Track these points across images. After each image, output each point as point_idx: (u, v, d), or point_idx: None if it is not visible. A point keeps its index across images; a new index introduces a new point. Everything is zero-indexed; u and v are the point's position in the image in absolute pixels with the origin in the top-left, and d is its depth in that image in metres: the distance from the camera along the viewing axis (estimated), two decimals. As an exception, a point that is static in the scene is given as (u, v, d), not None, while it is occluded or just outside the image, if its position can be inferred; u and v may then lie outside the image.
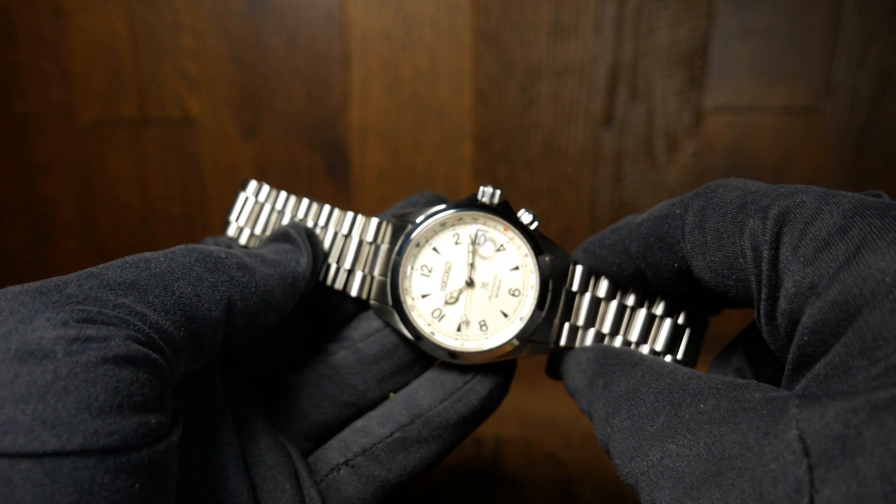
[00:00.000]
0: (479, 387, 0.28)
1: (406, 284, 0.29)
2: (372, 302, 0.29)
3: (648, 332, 0.29)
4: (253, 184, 0.32)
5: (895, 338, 0.15)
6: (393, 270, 0.29)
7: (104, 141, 0.68)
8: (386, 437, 0.28)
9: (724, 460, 0.17)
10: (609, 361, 0.26)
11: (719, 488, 0.17)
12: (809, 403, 0.16)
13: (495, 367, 0.29)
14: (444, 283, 0.29)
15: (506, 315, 0.29)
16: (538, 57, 0.63)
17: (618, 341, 0.29)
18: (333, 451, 0.28)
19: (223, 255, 0.24)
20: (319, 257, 0.28)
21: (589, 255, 0.29)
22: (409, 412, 0.28)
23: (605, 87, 0.63)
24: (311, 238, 0.28)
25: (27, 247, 0.71)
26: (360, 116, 0.66)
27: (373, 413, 0.29)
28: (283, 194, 0.31)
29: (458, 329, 0.28)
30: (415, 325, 0.28)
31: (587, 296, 0.29)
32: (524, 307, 0.28)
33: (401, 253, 0.29)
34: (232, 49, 0.65)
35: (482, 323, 0.29)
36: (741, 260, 0.21)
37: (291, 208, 0.31)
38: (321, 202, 0.30)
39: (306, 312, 0.30)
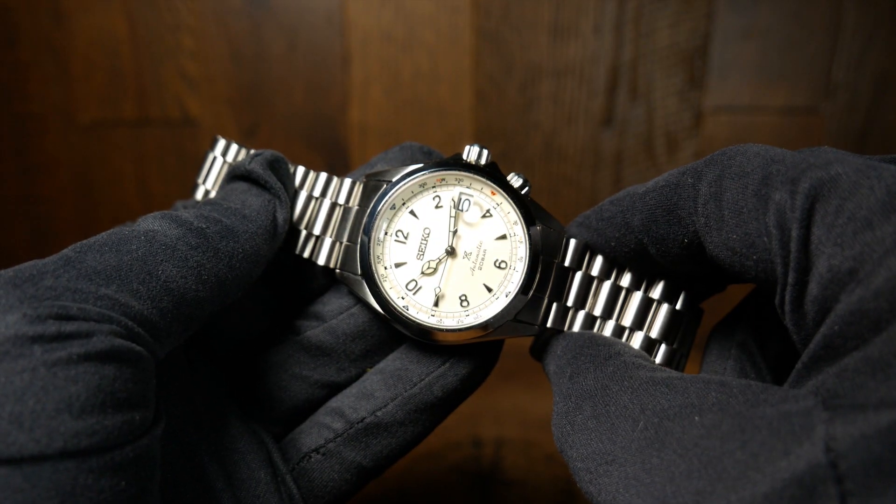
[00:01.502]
0: (459, 366, 0.26)
1: (378, 251, 0.25)
2: (338, 271, 0.26)
3: (644, 317, 0.26)
4: (221, 143, 0.29)
5: None
6: (364, 235, 0.25)
7: (104, 141, 0.68)
8: (358, 422, 0.25)
9: (724, 481, 0.15)
10: (584, 351, 0.23)
11: None
12: (842, 417, 0.14)
13: (477, 346, 0.26)
14: (422, 252, 0.25)
15: (490, 290, 0.25)
16: (538, 57, 0.63)
17: (609, 326, 0.26)
18: (305, 435, 0.26)
19: (205, 226, 0.22)
20: (291, 192, 0.26)
21: (584, 228, 0.26)
22: (384, 393, 0.26)
23: (605, 87, 0.63)
24: (279, 171, 0.25)
25: (27, 247, 0.71)
26: (360, 116, 0.66)
27: (347, 392, 0.26)
28: (252, 153, 0.28)
29: (436, 304, 0.25)
30: (386, 297, 0.25)
31: (579, 274, 0.26)
32: (511, 282, 0.25)
33: (373, 215, 0.25)
34: (232, 49, 0.65)
35: (463, 298, 0.25)
36: (764, 238, 0.18)
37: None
38: (293, 163, 0.28)
39: (271, 285, 0.28)
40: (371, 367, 0.27)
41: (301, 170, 0.27)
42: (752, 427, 0.15)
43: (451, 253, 0.25)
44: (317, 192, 0.26)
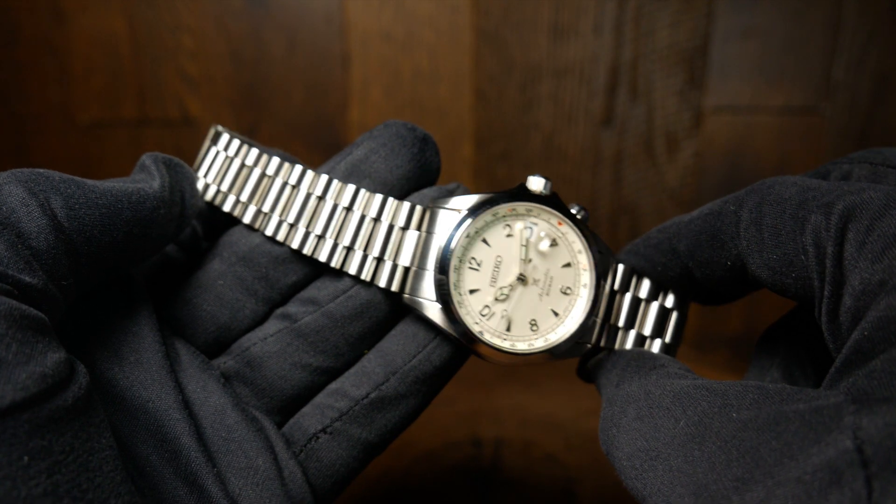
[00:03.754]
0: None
1: (454, 279, 0.26)
2: (407, 296, 0.27)
3: (680, 334, 0.29)
4: (225, 137, 0.29)
5: None
6: (442, 263, 0.26)
7: (104, 141, 0.68)
8: (363, 399, 0.26)
9: (761, 468, 0.16)
10: (631, 364, 0.25)
11: (754, 498, 0.16)
12: (868, 409, 0.15)
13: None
14: (494, 279, 0.27)
15: (556, 314, 0.27)
16: (538, 57, 0.63)
17: (657, 344, 0.28)
18: (309, 417, 0.26)
19: (45, 171, 0.22)
20: (183, 185, 0.26)
21: (632, 254, 0.28)
22: (384, 369, 0.26)
23: (605, 87, 0.63)
24: (170, 166, 0.25)
25: (27, 247, 0.71)
26: (360, 116, 0.66)
27: (346, 373, 0.27)
28: (298, 168, 0.27)
29: (508, 328, 0.27)
30: (463, 322, 0.26)
31: (628, 296, 0.28)
32: (576, 306, 0.27)
33: (449, 244, 0.26)
34: (232, 49, 0.65)
35: (532, 322, 0.27)
36: (802, 257, 0.20)
37: (307, 185, 0.27)
38: (335, 170, 0.27)
39: (252, 274, 0.28)
40: (368, 350, 0.27)
41: (351, 188, 0.27)
42: (786, 420, 0.17)
43: (522, 280, 0.27)
44: (372, 214, 0.27)
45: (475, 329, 0.26)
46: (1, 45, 0.66)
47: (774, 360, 0.26)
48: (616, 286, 0.28)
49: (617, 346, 0.28)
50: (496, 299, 0.27)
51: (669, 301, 0.28)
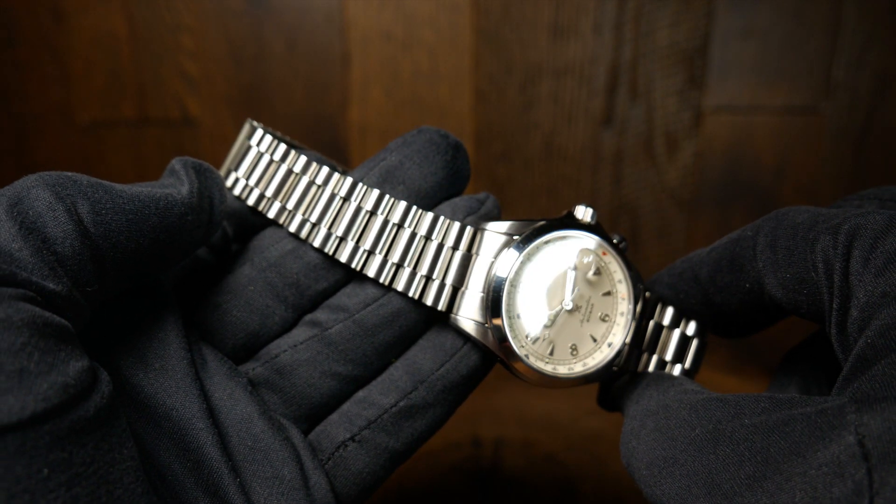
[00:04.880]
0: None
1: (505, 303, 0.27)
2: (454, 316, 0.27)
3: (699, 361, 0.30)
4: (259, 133, 0.28)
5: None
6: (496, 287, 0.27)
7: (104, 141, 0.68)
8: (391, 408, 0.26)
9: (770, 465, 0.17)
10: (651, 383, 0.27)
11: (765, 493, 0.17)
12: (868, 407, 0.16)
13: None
14: (543, 304, 0.28)
15: (595, 340, 0.28)
16: (538, 57, 0.63)
17: (677, 369, 0.30)
18: (336, 426, 0.26)
19: (73, 175, 0.21)
20: (212, 191, 0.25)
21: (657, 283, 0.30)
22: (412, 378, 0.27)
23: (605, 87, 0.63)
24: (199, 171, 0.25)
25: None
26: (360, 116, 0.66)
27: (373, 383, 0.27)
28: (349, 181, 0.27)
29: (552, 353, 0.27)
30: (511, 345, 0.27)
31: (652, 322, 0.30)
32: (613, 333, 0.28)
33: (504, 269, 0.27)
34: (232, 49, 0.65)
35: (573, 347, 0.28)
36: (812, 274, 0.22)
37: (358, 198, 0.27)
38: (369, 176, 0.27)
39: (280, 280, 0.27)
40: (396, 359, 0.28)
41: (403, 205, 0.27)
42: (794, 421, 0.18)
43: (570, 307, 0.28)
44: (423, 232, 0.27)
45: (521, 352, 0.27)
46: (1, 45, 0.66)
47: (793, 378, 0.27)
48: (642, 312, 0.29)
49: (640, 369, 0.30)
50: (544, 325, 0.27)
51: (691, 329, 0.30)
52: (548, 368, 0.27)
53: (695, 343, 0.30)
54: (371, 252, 0.26)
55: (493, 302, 0.27)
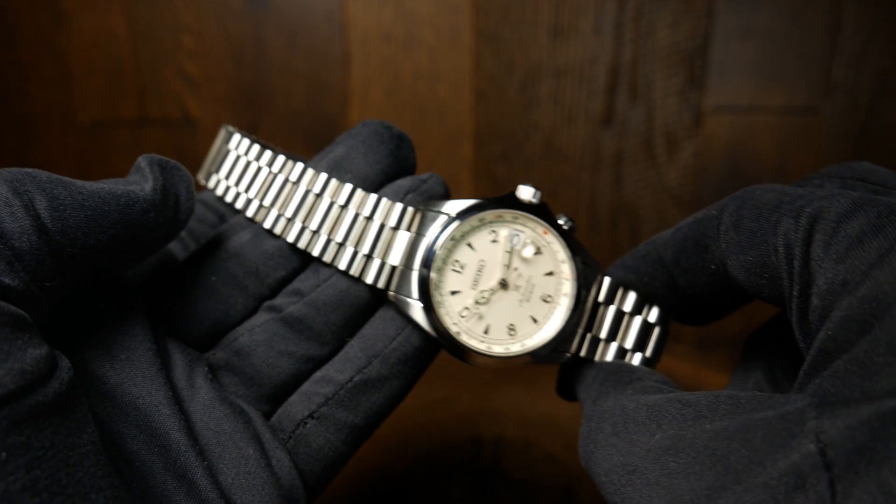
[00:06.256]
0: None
1: (436, 279, 0.27)
2: (391, 293, 0.28)
3: (660, 349, 0.29)
4: (236, 137, 0.30)
5: None
6: (425, 263, 0.27)
7: (104, 141, 0.68)
8: (346, 383, 0.27)
9: (730, 475, 0.17)
10: (609, 377, 0.26)
11: None
12: (830, 412, 0.15)
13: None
14: (476, 282, 0.27)
15: (535, 321, 0.28)
16: (538, 57, 0.63)
17: (637, 358, 0.29)
18: (296, 405, 0.27)
19: (32, 171, 0.21)
20: (178, 188, 0.25)
21: (619, 268, 0.29)
22: (366, 354, 0.27)
23: (605, 87, 0.63)
24: (165, 169, 0.25)
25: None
26: (360, 116, 0.66)
27: (331, 361, 0.28)
28: (309, 172, 0.28)
29: (486, 331, 0.27)
30: (441, 322, 0.27)
31: (612, 308, 0.29)
32: (555, 315, 0.28)
33: (434, 246, 0.27)
34: (232, 49, 0.65)
35: (511, 327, 0.27)
36: (773, 258, 0.21)
37: (307, 182, 0.28)
38: (318, 167, 0.29)
39: (241, 271, 0.28)
40: (350, 338, 0.28)
41: (348, 187, 0.28)
42: (755, 427, 0.17)
43: (503, 285, 0.27)
44: (366, 212, 0.28)
45: (452, 329, 0.27)
46: (1, 45, 0.66)
47: (758, 362, 0.27)
48: (601, 298, 0.29)
49: (597, 357, 0.29)
50: (476, 302, 0.27)
51: (653, 316, 0.29)
52: (482, 347, 0.27)
53: (657, 331, 0.29)
54: (316, 232, 0.28)
55: (424, 280, 0.27)
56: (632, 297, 0.29)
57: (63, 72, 0.66)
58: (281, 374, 0.27)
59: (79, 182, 0.22)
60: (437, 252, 0.27)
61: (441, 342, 0.27)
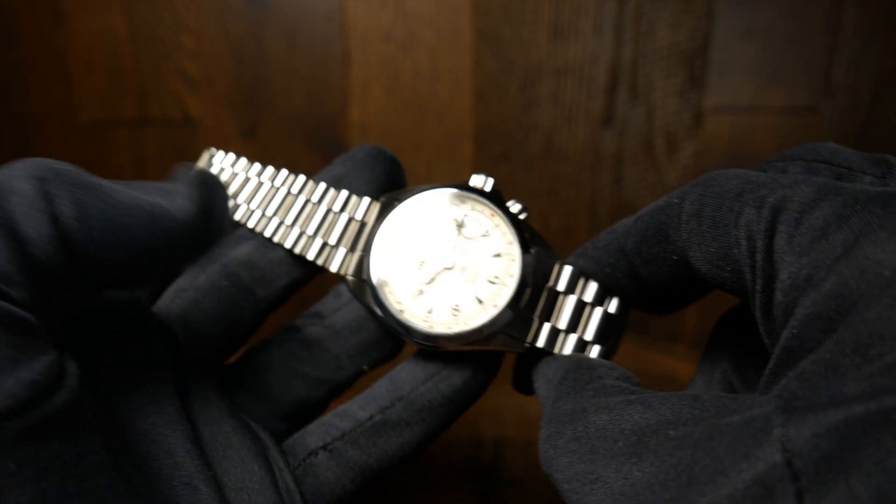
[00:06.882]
0: (463, 367, 0.27)
1: (378, 260, 0.27)
2: (348, 277, 0.28)
3: (619, 341, 0.29)
4: (220, 154, 0.31)
5: (891, 335, 0.14)
6: (369, 246, 0.28)
7: (104, 141, 0.68)
8: (366, 421, 0.26)
9: (694, 486, 0.16)
10: (568, 375, 0.25)
11: None
12: (796, 418, 0.14)
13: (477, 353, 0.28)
14: (422, 263, 0.27)
15: (481, 302, 0.27)
16: (538, 57, 0.63)
17: (596, 350, 0.28)
18: (312, 435, 0.27)
19: (63, 170, 0.20)
20: (216, 208, 0.25)
21: (580, 257, 0.28)
22: (391, 395, 0.27)
23: (605, 87, 0.63)
24: (205, 186, 0.24)
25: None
26: (360, 116, 0.66)
27: (356, 397, 0.28)
28: (284, 172, 0.30)
29: (430, 311, 0.27)
30: (385, 302, 0.27)
31: (572, 298, 0.28)
32: (501, 296, 0.27)
33: (378, 227, 0.28)
34: (232, 49, 0.65)
35: (455, 307, 0.27)
36: (735, 250, 0.20)
37: (286, 182, 0.30)
38: (317, 180, 0.30)
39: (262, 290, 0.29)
40: (367, 367, 0.29)
41: (322, 185, 0.30)
42: (719, 434, 0.16)
43: (448, 266, 0.27)
44: (336, 208, 0.29)
45: (395, 308, 0.27)
46: (1, 45, 0.66)
47: (726, 349, 0.25)
48: (561, 287, 0.28)
49: (556, 349, 0.28)
50: (420, 282, 0.27)
51: (612, 306, 0.28)
52: (423, 326, 0.27)
53: (615, 323, 0.28)
54: (290, 226, 0.29)
55: (364, 260, 0.27)
56: (592, 287, 0.28)
57: (63, 72, 0.66)
58: (294, 395, 0.28)
59: (108, 186, 0.21)
60: (383, 233, 0.28)
61: (386, 323, 0.27)
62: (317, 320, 0.28)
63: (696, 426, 0.17)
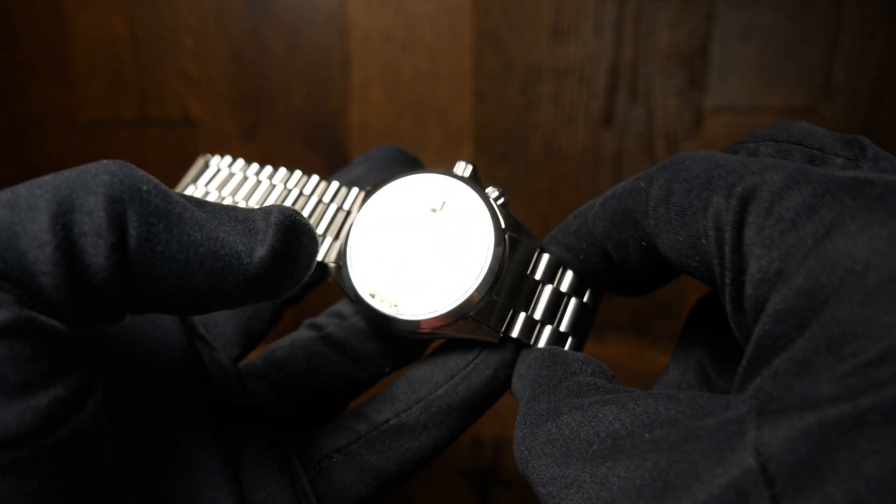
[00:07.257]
0: (483, 368, 0.26)
1: (353, 244, 0.27)
2: (330, 264, 0.28)
3: (589, 331, 0.28)
4: (216, 158, 0.31)
5: (864, 332, 0.14)
6: (341, 228, 0.28)
7: (104, 141, 0.68)
8: (382, 424, 0.26)
9: (669, 492, 0.15)
10: (542, 372, 0.24)
11: None
12: (770, 421, 0.14)
13: (499, 346, 0.27)
14: (393, 246, 0.27)
15: (454, 288, 0.26)
16: (538, 57, 0.63)
17: (569, 342, 0.27)
18: (328, 436, 0.26)
19: (142, 190, 0.18)
20: (297, 258, 0.22)
21: (554, 245, 0.27)
22: (409, 397, 0.26)
23: (605, 87, 0.63)
24: (290, 231, 0.21)
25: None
26: (360, 117, 0.66)
27: (372, 398, 0.27)
28: (283, 171, 0.30)
29: (402, 296, 0.27)
30: (354, 285, 0.26)
31: (549, 287, 0.27)
32: (475, 282, 0.26)
33: (352, 210, 0.28)
34: (232, 49, 0.65)
35: (427, 293, 0.26)
36: (704, 240, 0.19)
37: (282, 179, 0.30)
38: (312, 176, 0.30)
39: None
40: (389, 368, 0.28)
41: (315, 178, 0.29)
42: (694, 438, 0.16)
43: (423, 252, 0.27)
44: (326, 199, 0.29)
45: (363, 290, 0.27)
46: (1, 45, 0.66)
47: (700, 338, 0.25)
48: (538, 276, 0.27)
49: (532, 340, 0.27)
50: (392, 265, 0.27)
51: (587, 297, 0.28)
52: (391, 311, 0.26)
53: (589, 312, 0.28)
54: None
55: (343, 245, 0.27)
56: (569, 276, 0.27)
57: (63, 72, 0.66)
58: (315, 392, 0.28)
59: (189, 217, 0.19)
60: (357, 217, 0.28)
61: (357, 305, 0.27)
62: (339, 320, 0.28)
63: (671, 429, 0.17)
